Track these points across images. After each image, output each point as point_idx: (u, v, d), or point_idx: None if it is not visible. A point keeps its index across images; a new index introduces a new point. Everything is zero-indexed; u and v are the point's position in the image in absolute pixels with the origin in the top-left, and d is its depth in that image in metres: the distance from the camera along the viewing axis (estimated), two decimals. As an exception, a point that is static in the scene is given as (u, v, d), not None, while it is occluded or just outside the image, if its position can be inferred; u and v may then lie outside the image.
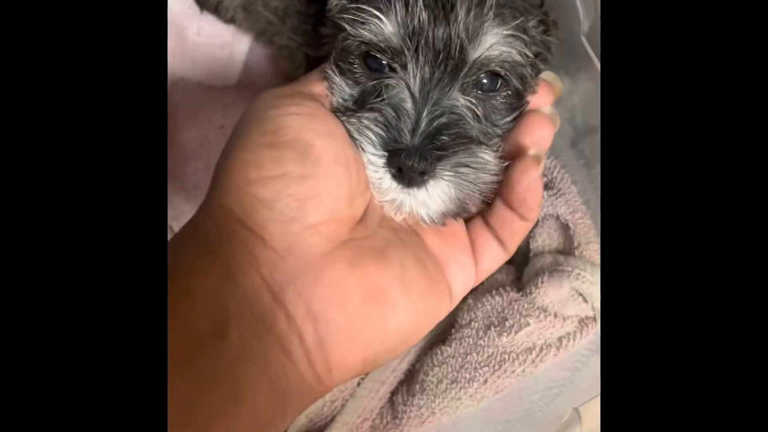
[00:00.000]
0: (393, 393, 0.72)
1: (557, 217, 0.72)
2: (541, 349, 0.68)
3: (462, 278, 0.54)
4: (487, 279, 0.77)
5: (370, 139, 0.51)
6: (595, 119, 0.75)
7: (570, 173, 0.72)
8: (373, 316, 0.47)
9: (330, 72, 0.55)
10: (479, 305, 0.71)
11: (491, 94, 0.55)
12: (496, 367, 0.67)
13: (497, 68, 0.54)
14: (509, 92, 0.56)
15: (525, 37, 0.55)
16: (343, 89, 0.55)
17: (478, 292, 0.74)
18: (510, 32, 0.53)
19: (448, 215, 0.53)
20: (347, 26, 0.53)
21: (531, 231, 0.75)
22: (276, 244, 0.44)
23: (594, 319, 0.70)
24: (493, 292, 0.71)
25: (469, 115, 0.53)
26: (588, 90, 0.73)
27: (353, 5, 0.54)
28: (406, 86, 0.52)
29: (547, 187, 0.72)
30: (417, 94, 0.52)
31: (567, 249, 0.72)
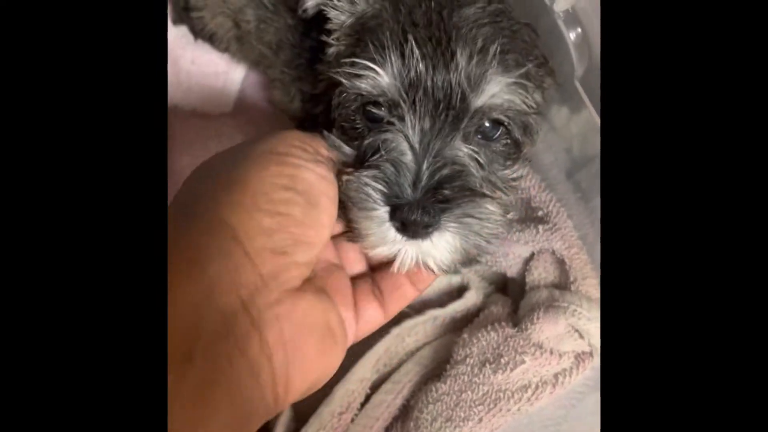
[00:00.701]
0: (387, 429, 0.71)
1: (553, 252, 0.71)
2: (537, 386, 0.67)
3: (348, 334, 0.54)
4: (483, 312, 0.76)
5: (371, 196, 0.51)
6: (593, 149, 0.75)
7: (566, 207, 0.71)
8: (329, 347, 0.49)
9: (332, 137, 0.55)
10: (474, 341, 0.70)
11: (491, 141, 0.55)
12: (491, 405, 0.66)
13: (501, 116, 0.53)
14: (508, 141, 0.56)
15: (528, 83, 0.54)
16: (344, 150, 0.55)
17: (473, 326, 0.73)
18: (514, 80, 0.53)
19: (454, 263, 0.53)
20: (344, 80, 0.53)
21: (527, 264, 0.75)
22: (264, 270, 0.46)
23: (590, 354, 0.69)
24: (489, 328, 0.70)
25: (472, 164, 0.53)
26: (586, 120, 0.72)
27: (349, 59, 0.53)
28: (405, 138, 0.52)
29: (542, 221, 0.71)
30: (417, 146, 0.51)
31: (563, 283, 0.72)
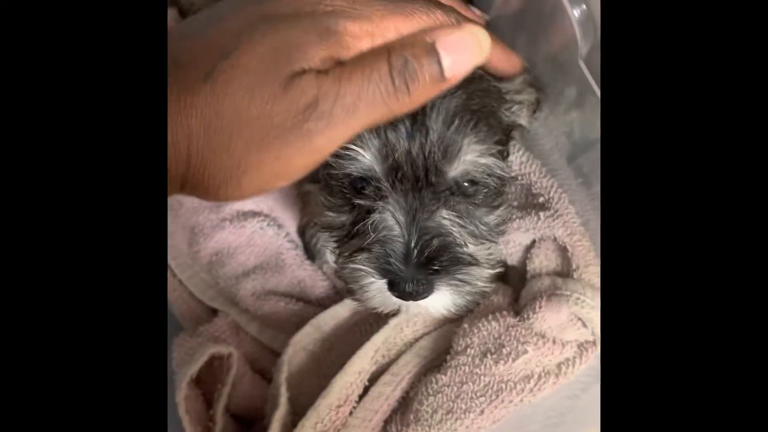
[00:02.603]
0: (386, 422, 0.70)
1: (555, 239, 0.69)
2: (540, 376, 0.66)
3: None
4: (484, 302, 0.74)
5: (369, 273, 0.56)
6: (594, 133, 0.73)
7: (568, 193, 0.69)
8: None
9: (322, 198, 0.60)
10: (475, 330, 0.69)
11: (471, 196, 0.59)
12: (493, 396, 0.65)
13: (475, 176, 0.57)
14: (487, 191, 0.60)
15: (498, 145, 0.58)
16: (334, 217, 0.60)
17: (473, 316, 0.72)
18: (487, 146, 0.56)
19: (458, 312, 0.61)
20: (329, 159, 0.53)
21: (528, 252, 0.73)
22: None
23: (594, 343, 0.68)
24: (490, 317, 0.69)
25: (455, 228, 0.57)
26: (586, 103, 0.70)
27: None
28: (392, 215, 0.55)
29: (543, 208, 0.69)
30: (403, 223, 0.55)
31: (565, 271, 0.70)
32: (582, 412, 0.67)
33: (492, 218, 0.61)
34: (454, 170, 0.55)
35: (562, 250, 0.70)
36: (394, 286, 0.56)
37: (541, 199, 0.70)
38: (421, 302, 0.57)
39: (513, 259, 0.75)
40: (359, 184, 0.57)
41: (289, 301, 0.79)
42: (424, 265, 0.55)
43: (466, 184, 0.58)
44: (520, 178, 0.75)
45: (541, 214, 0.69)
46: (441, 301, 0.58)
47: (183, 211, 0.81)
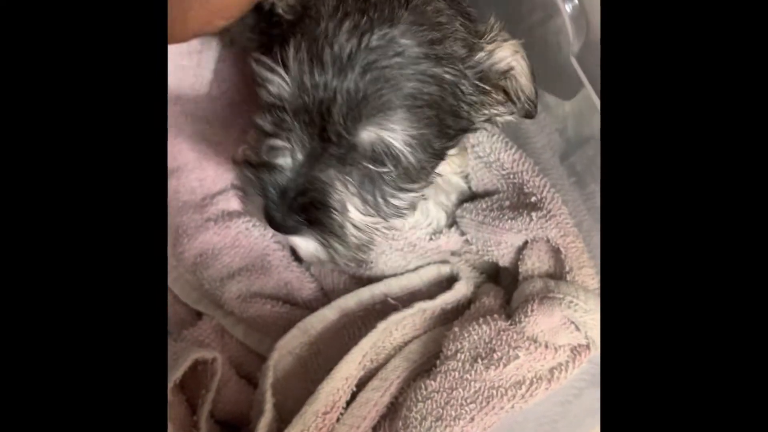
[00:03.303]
0: (374, 429, 0.68)
1: (547, 240, 0.67)
2: (532, 382, 0.64)
3: None
4: (474, 304, 0.73)
5: (252, 184, 0.57)
6: (588, 129, 0.71)
7: (561, 192, 0.68)
8: None
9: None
10: (465, 334, 0.67)
11: (380, 169, 0.56)
12: (484, 403, 0.63)
13: (386, 152, 0.54)
14: (398, 172, 0.56)
15: (432, 136, 0.56)
16: (260, 125, 0.59)
17: (464, 319, 0.70)
18: (415, 132, 0.54)
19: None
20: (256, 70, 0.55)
21: (519, 253, 0.71)
22: None
23: (587, 347, 0.66)
24: (480, 321, 0.67)
25: (343, 192, 0.56)
26: (581, 98, 0.68)
27: (266, 51, 0.55)
28: (290, 151, 0.56)
29: (535, 208, 0.68)
30: (298, 161, 0.55)
31: (558, 273, 0.68)
32: (575, 419, 0.65)
33: (397, 201, 0.59)
34: (361, 135, 0.54)
35: (555, 252, 0.68)
36: (266, 212, 0.57)
37: (533, 199, 0.68)
38: (290, 237, 0.59)
39: (505, 261, 0.73)
40: (273, 112, 0.57)
41: (276, 303, 0.77)
42: (294, 209, 0.56)
43: (377, 154, 0.55)
44: (512, 177, 0.73)
45: (534, 214, 0.67)
46: (308, 246, 0.59)
47: (167, 210, 0.79)
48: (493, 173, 0.74)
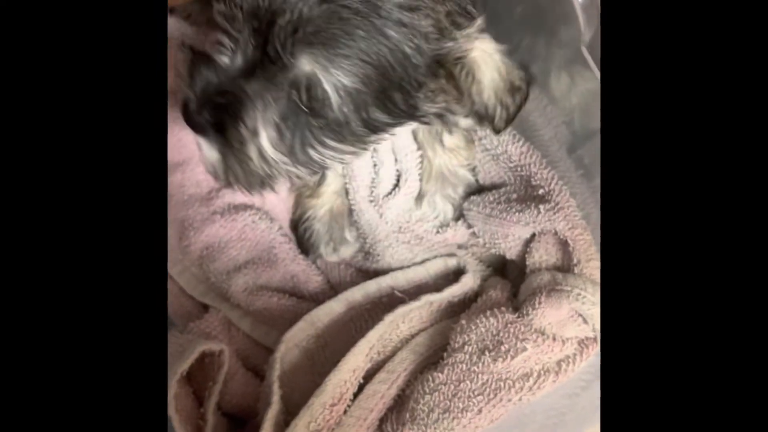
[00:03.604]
0: (382, 421, 0.68)
1: (555, 233, 0.67)
2: (539, 374, 0.64)
3: None
4: (481, 297, 0.73)
5: (195, 65, 0.54)
6: (595, 122, 0.71)
7: (568, 185, 0.67)
8: None
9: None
10: (473, 327, 0.67)
11: (311, 108, 0.53)
12: (491, 395, 0.63)
13: (313, 87, 0.52)
14: (325, 123, 0.54)
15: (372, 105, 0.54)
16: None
17: (471, 311, 0.70)
18: (350, 80, 0.51)
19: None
20: None
21: (527, 246, 0.71)
22: None
23: (595, 340, 0.66)
24: (488, 313, 0.67)
25: (261, 116, 0.53)
26: (587, 90, 0.68)
27: None
28: (226, 53, 0.53)
29: (543, 200, 0.68)
30: (226, 65, 0.53)
31: (566, 266, 0.68)
32: (582, 411, 0.65)
33: (314, 153, 0.56)
34: (300, 61, 0.51)
35: (563, 245, 0.68)
36: (184, 103, 0.55)
37: (540, 191, 0.68)
38: (198, 139, 0.56)
39: (512, 254, 0.73)
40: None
41: (282, 296, 0.77)
42: (207, 108, 0.53)
43: (309, 90, 0.53)
44: (519, 169, 0.73)
45: (541, 207, 0.67)
46: (210, 154, 0.56)
47: (173, 204, 0.79)
48: (500, 166, 0.74)
